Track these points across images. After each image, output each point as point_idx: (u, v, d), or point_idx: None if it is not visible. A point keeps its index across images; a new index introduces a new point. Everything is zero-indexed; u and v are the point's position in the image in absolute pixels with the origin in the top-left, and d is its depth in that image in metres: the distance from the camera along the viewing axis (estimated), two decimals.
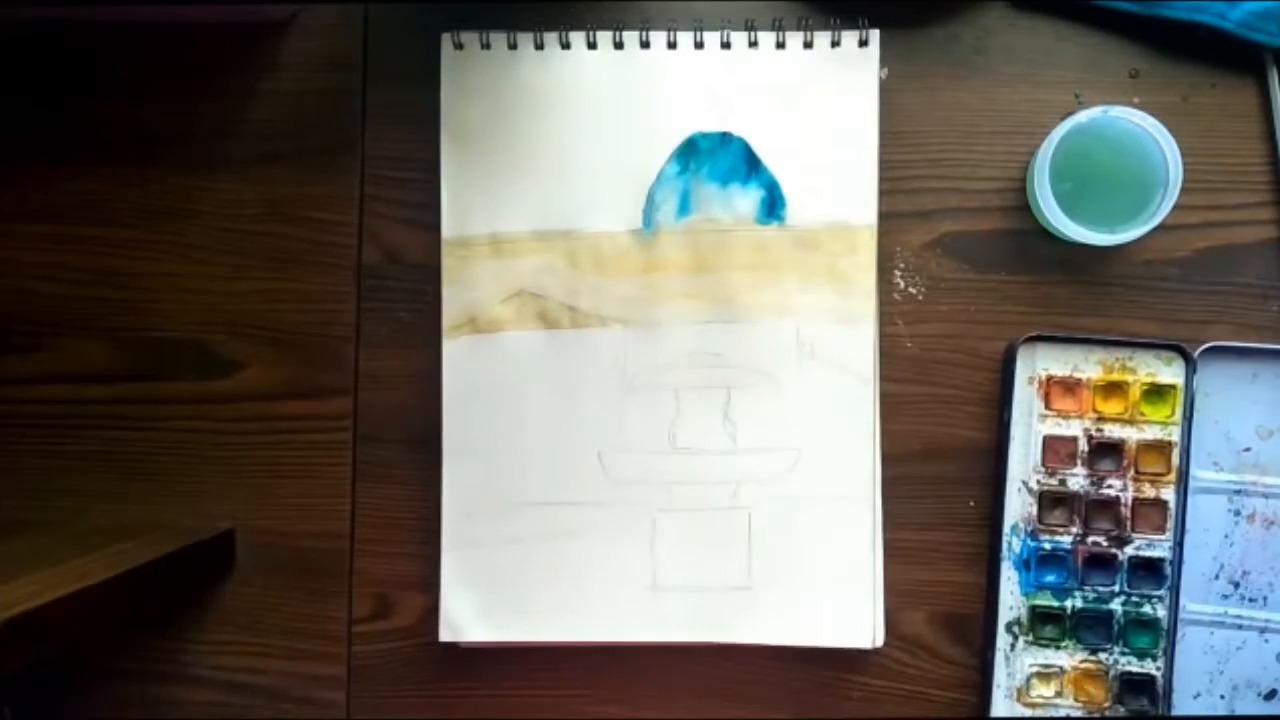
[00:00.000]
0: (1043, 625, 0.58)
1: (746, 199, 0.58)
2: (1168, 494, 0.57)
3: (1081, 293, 0.58)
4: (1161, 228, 0.54)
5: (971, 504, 0.59)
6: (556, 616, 0.58)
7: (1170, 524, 0.57)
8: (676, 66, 0.58)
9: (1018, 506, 0.58)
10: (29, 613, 0.44)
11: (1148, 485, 0.57)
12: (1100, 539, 0.58)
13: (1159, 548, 0.57)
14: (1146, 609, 0.57)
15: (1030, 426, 0.58)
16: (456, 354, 0.58)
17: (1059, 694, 0.58)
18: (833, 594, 0.57)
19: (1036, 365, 0.58)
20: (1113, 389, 0.57)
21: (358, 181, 0.60)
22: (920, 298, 0.59)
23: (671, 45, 0.58)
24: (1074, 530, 0.58)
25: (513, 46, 0.58)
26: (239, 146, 0.60)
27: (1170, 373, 0.57)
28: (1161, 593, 0.57)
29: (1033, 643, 0.58)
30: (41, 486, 0.60)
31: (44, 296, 0.60)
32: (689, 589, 0.58)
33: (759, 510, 0.57)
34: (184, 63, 0.60)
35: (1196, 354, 0.57)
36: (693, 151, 0.58)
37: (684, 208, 0.58)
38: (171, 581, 0.56)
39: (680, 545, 0.58)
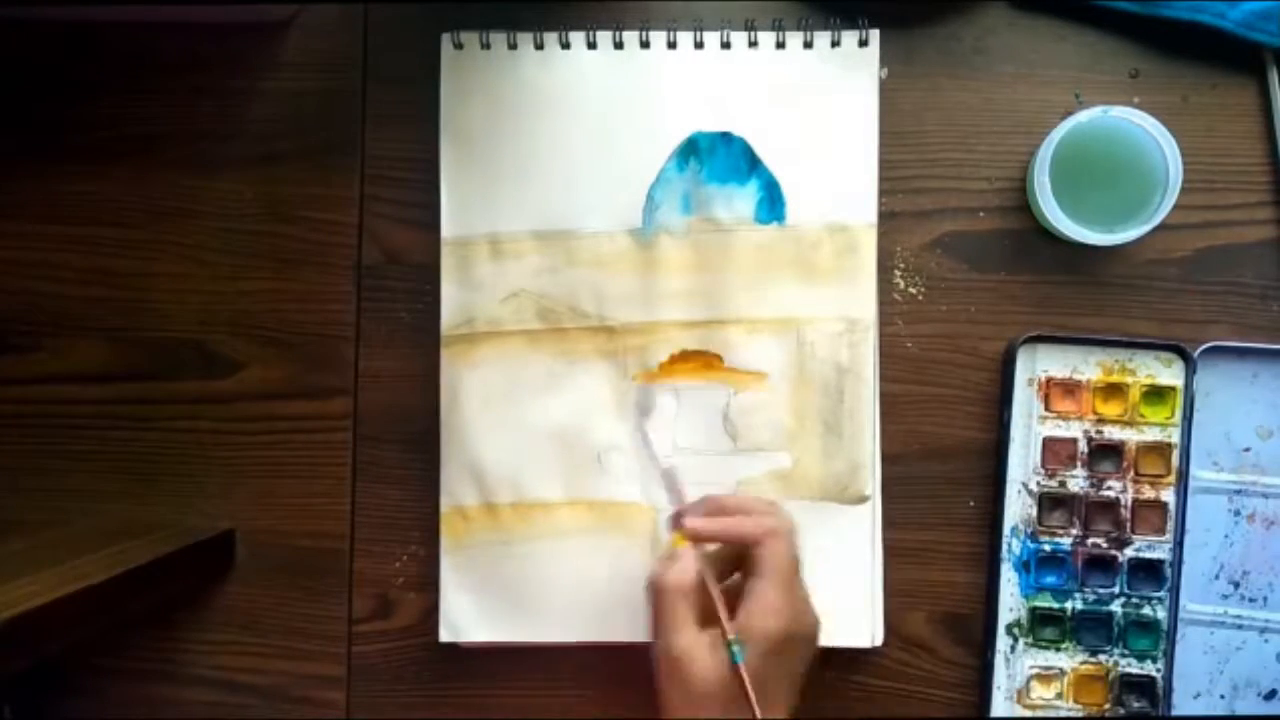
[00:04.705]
0: (1043, 627, 0.58)
1: (746, 199, 0.57)
2: (1167, 495, 0.57)
3: (1081, 293, 0.58)
4: (1161, 228, 0.54)
5: (971, 504, 0.59)
6: (556, 616, 0.58)
7: (1170, 525, 0.57)
8: (676, 66, 0.58)
9: (1017, 508, 0.58)
10: (29, 613, 0.43)
11: (1147, 487, 0.57)
12: (1100, 541, 0.57)
13: (1159, 549, 0.57)
14: (1146, 611, 0.57)
15: (1030, 428, 0.58)
16: (456, 354, 0.58)
17: (1059, 696, 0.58)
18: (833, 594, 0.57)
19: (1036, 366, 0.58)
20: (1112, 391, 0.57)
21: (358, 181, 0.60)
22: (920, 298, 0.59)
23: (671, 45, 0.58)
24: (1074, 532, 0.58)
25: (513, 46, 0.58)
26: (239, 146, 0.60)
27: (1170, 374, 0.57)
28: (1161, 594, 0.57)
29: (1033, 645, 0.58)
30: (41, 486, 0.60)
31: (44, 296, 0.60)
32: None
33: None
34: (184, 63, 0.60)
35: (1196, 354, 0.57)
36: (693, 151, 0.57)
37: (684, 208, 0.58)
38: (171, 581, 0.56)
39: None
